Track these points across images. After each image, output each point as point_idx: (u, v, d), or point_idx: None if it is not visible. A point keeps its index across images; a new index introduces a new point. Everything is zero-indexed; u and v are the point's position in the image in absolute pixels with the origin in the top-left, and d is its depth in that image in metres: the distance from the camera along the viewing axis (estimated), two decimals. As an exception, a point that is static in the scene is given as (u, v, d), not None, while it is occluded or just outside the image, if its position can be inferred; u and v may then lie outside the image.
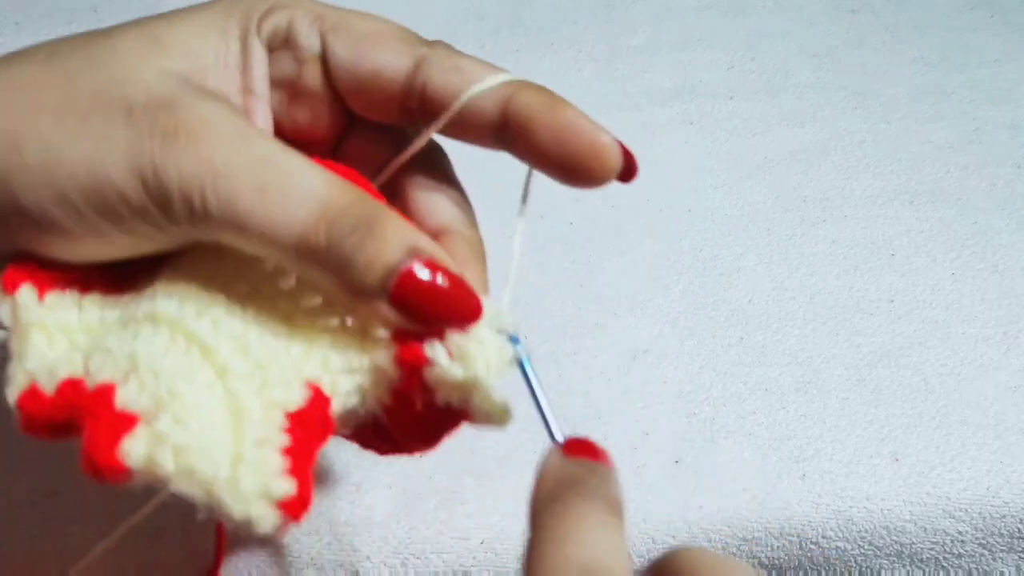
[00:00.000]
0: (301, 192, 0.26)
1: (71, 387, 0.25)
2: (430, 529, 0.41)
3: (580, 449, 0.26)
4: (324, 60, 0.30)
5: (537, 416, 0.28)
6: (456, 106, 0.29)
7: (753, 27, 0.70)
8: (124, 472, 0.24)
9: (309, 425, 0.27)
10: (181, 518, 0.37)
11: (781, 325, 0.50)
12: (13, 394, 0.25)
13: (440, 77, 0.29)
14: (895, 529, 0.42)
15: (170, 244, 0.28)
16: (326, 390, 0.28)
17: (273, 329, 0.28)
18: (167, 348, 0.26)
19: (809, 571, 0.43)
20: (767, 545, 0.42)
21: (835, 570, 0.43)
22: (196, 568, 0.39)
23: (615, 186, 0.57)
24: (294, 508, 0.24)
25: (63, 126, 0.26)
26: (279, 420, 0.26)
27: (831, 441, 0.44)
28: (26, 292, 0.27)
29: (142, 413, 0.24)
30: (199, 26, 0.29)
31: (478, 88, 0.29)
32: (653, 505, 0.42)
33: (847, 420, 0.45)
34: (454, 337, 0.27)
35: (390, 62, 0.29)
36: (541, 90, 0.29)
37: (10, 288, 0.27)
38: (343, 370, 0.28)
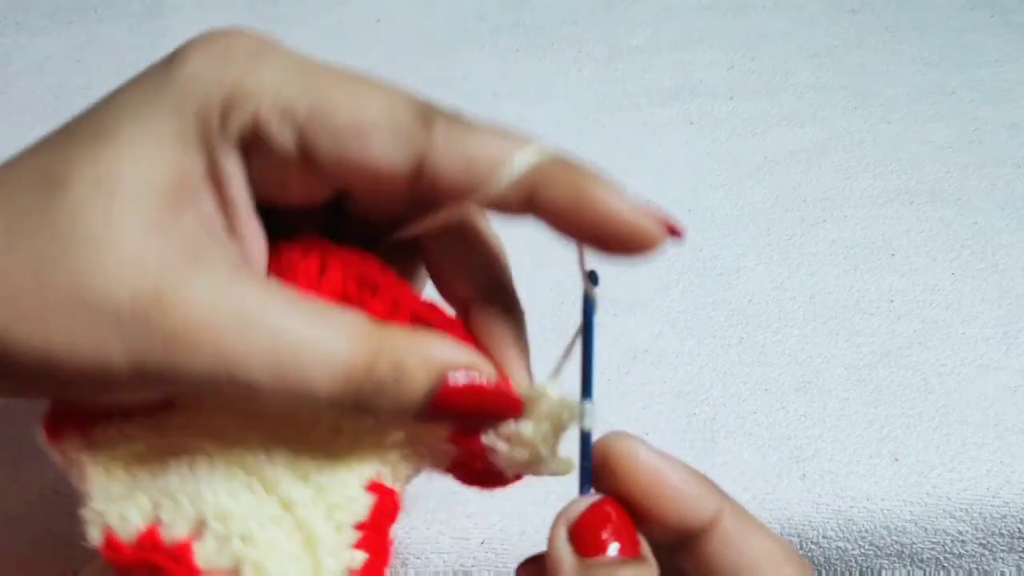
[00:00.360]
0: (321, 362, 0.24)
1: (149, 540, 0.25)
2: (430, 529, 0.41)
3: (598, 542, 0.25)
4: (308, 159, 0.25)
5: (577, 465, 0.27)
6: (472, 214, 0.27)
7: (753, 27, 0.70)
8: None
9: (379, 527, 0.27)
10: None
11: (781, 325, 0.50)
12: (94, 538, 0.26)
13: (451, 171, 0.24)
14: (895, 529, 0.42)
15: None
16: (388, 483, 0.27)
17: (326, 445, 0.27)
18: (228, 485, 0.26)
19: (809, 571, 0.43)
20: (767, 545, 0.42)
21: (835, 570, 0.43)
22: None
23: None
24: None
25: (49, 331, 0.23)
26: (351, 537, 0.26)
27: (831, 441, 0.44)
28: (71, 440, 0.27)
29: (223, 570, 0.25)
30: (152, 147, 0.24)
31: (497, 186, 0.25)
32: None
33: (847, 420, 0.45)
34: (507, 428, 0.27)
35: (385, 162, 0.24)
36: (563, 178, 0.25)
37: (54, 439, 0.27)
38: (401, 459, 0.28)
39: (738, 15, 0.71)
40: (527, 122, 0.61)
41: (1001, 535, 0.43)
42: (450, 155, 0.24)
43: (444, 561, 0.40)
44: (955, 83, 0.65)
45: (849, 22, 0.71)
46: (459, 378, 0.25)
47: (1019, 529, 0.43)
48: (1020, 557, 0.44)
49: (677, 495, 0.25)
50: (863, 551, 0.43)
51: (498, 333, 0.27)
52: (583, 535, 0.25)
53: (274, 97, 0.24)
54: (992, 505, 0.43)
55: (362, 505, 0.27)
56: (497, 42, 0.68)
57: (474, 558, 0.40)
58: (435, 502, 0.42)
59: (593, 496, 0.26)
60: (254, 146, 0.24)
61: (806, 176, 0.58)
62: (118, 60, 0.65)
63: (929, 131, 0.61)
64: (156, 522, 0.26)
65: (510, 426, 0.27)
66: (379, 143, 0.24)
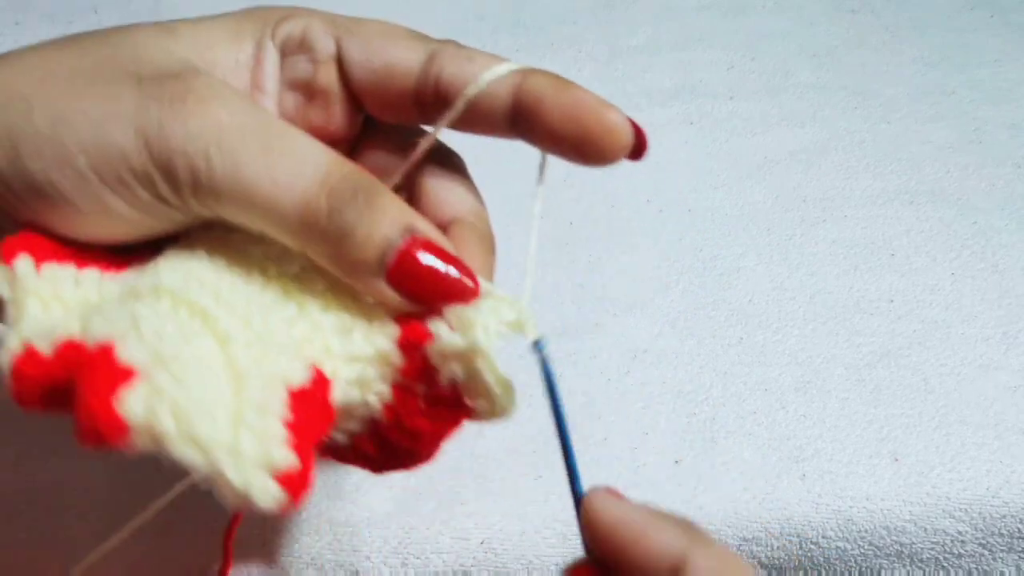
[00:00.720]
0: (306, 156, 0.27)
1: (70, 348, 0.25)
2: (430, 529, 0.41)
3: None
4: (339, 61, 0.31)
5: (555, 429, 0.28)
6: (471, 90, 0.29)
7: (753, 27, 0.70)
8: (122, 429, 0.22)
9: (311, 405, 0.26)
10: (186, 517, 0.37)
11: (781, 325, 0.50)
12: (6, 358, 0.25)
13: (453, 68, 0.30)
14: (895, 529, 0.42)
15: (171, 223, 0.28)
16: (327, 374, 0.27)
17: (277, 308, 0.28)
18: (168, 314, 0.26)
19: (809, 571, 0.43)
20: (767, 545, 0.42)
21: (835, 570, 0.43)
22: (200, 567, 0.39)
23: (615, 186, 0.57)
24: (294, 485, 0.23)
25: (72, 90, 0.27)
26: (281, 393, 0.25)
27: (831, 441, 0.44)
28: (23, 262, 0.27)
29: (142, 369, 0.23)
30: (213, 27, 0.30)
31: (491, 75, 0.29)
32: (653, 505, 0.42)
33: (847, 420, 0.45)
34: (454, 309, 0.27)
35: (403, 57, 0.30)
36: (549, 74, 0.30)
37: (7, 258, 0.27)
38: (345, 357, 0.28)
39: (738, 15, 0.71)
40: (527, 122, 0.61)
41: (1001, 535, 0.43)
42: (455, 57, 0.30)
43: (444, 561, 0.40)
44: (955, 83, 0.65)
45: (849, 22, 0.71)
46: (424, 240, 0.27)
47: (1019, 529, 0.43)
48: (1020, 557, 0.44)
49: (650, 545, 0.26)
50: (863, 551, 0.43)
51: (472, 250, 0.30)
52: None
53: (322, 17, 0.31)
54: (992, 505, 0.43)
55: (298, 372, 0.26)
56: (497, 42, 0.68)
57: (474, 558, 0.40)
58: (435, 502, 0.42)
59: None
60: (295, 50, 0.31)
61: (806, 176, 0.58)
62: (118, 60, 0.65)
63: (929, 131, 0.61)
64: (83, 338, 0.25)
65: (455, 311, 0.27)
66: (401, 44, 0.30)
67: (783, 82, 0.65)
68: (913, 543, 0.43)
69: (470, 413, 0.28)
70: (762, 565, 0.43)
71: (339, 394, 0.28)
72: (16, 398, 0.25)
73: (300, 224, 0.26)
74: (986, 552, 0.43)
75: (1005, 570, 0.44)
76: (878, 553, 0.43)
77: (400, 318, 0.28)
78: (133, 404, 0.23)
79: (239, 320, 0.26)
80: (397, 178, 0.32)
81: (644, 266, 0.52)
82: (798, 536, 0.42)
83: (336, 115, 0.32)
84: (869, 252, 0.54)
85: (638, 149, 0.30)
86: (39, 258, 0.27)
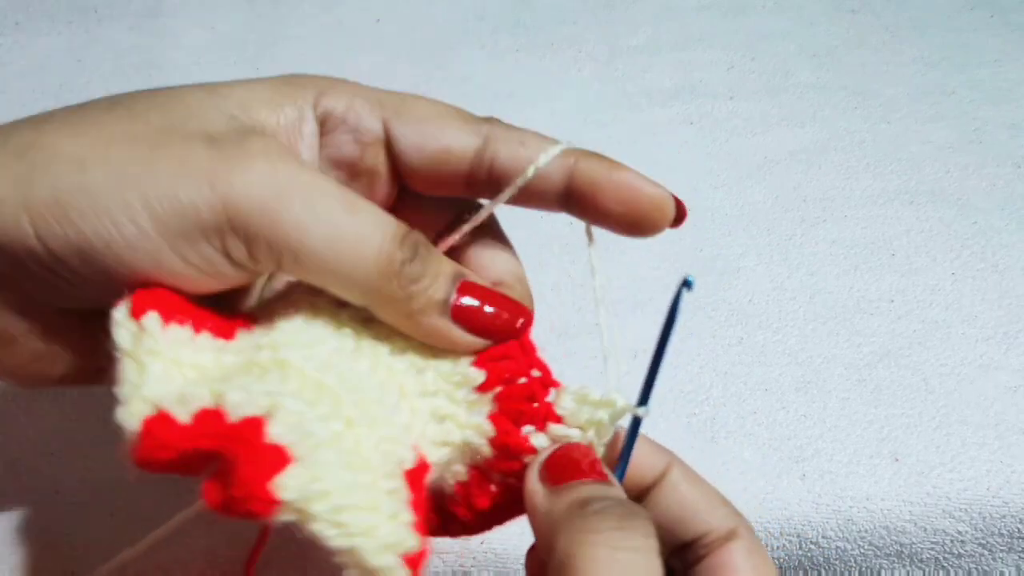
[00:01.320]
0: (379, 216, 0.28)
1: (211, 417, 0.25)
2: (430, 529, 0.41)
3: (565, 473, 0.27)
4: (387, 143, 0.32)
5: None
6: (530, 173, 0.31)
7: (753, 27, 0.70)
8: (275, 506, 0.23)
9: (418, 486, 0.27)
10: (203, 521, 0.37)
11: (781, 325, 0.50)
12: (135, 420, 0.25)
13: (507, 152, 0.31)
14: (895, 529, 0.42)
15: (218, 283, 0.28)
16: (426, 458, 0.29)
17: (384, 391, 0.29)
18: (299, 391, 0.26)
19: (809, 571, 0.43)
20: (767, 545, 0.42)
21: (835, 570, 0.43)
22: (218, 571, 0.39)
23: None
24: (416, 564, 0.25)
25: (135, 153, 0.26)
26: (402, 477, 0.27)
27: (831, 441, 0.44)
28: (152, 319, 0.26)
29: (292, 451, 0.24)
30: (254, 89, 0.30)
31: (545, 158, 0.31)
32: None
33: (847, 420, 0.45)
34: (553, 429, 0.29)
35: (457, 142, 0.31)
36: (599, 157, 0.32)
37: (138, 312, 0.26)
38: (437, 442, 0.29)
39: (738, 15, 0.71)
40: (527, 122, 0.61)
41: (1000, 535, 0.43)
42: (507, 141, 0.31)
43: (444, 561, 0.40)
44: (955, 83, 0.65)
45: (849, 22, 0.71)
46: (474, 279, 0.30)
47: (1018, 529, 0.43)
48: (1020, 557, 0.44)
49: None
50: (863, 551, 0.43)
51: None
52: (552, 470, 0.28)
53: (367, 96, 0.32)
54: (992, 505, 0.43)
55: (409, 454, 0.28)
56: (497, 42, 0.68)
57: (474, 558, 0.40)
58: (435, 502, 0.42)
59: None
60: (337, 127, 0.31)
61: (806, 176, 0.58)
62: (118, 60, 0.65)
63: (929, 131, 0.61)
64: (218, 406, 0.25)
65: (554, 434, 0.29)
66: (454, 128, 0.31)
67: (783, 82, 0.65)
68: (913, 543, 0.43)
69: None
70: (762, 565, 0.43)
71: (434, 471, 0.29)
72: (141, 458, 0.24)
73: (378, 273, 0.27)
74: (986, 552, 0.43)
75: (1005, 570, 0.44)
76: (878, 553, 0.43)
77: (494, 416, 0.29)
78: (289, 485, 0.24)
79: (358, 400, 0.27)
80: (446, 247, 0.33)
81: (644, 266, 0.52)
82: (798, 536, 0.42)
83: (380, 192, 0.33)
84: (869, 252, 0.54)
85: (679, 219, 0.33)
86: (166, 316, 0.27)
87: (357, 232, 0.27)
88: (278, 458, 0.24)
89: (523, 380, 0.29)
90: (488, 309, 0.29)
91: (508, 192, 0.31)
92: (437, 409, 0.29)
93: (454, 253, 0.33)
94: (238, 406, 0.25)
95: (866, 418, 0.45)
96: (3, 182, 0.26)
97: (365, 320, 0.30)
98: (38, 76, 0.64)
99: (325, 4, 0.71)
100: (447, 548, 0.40)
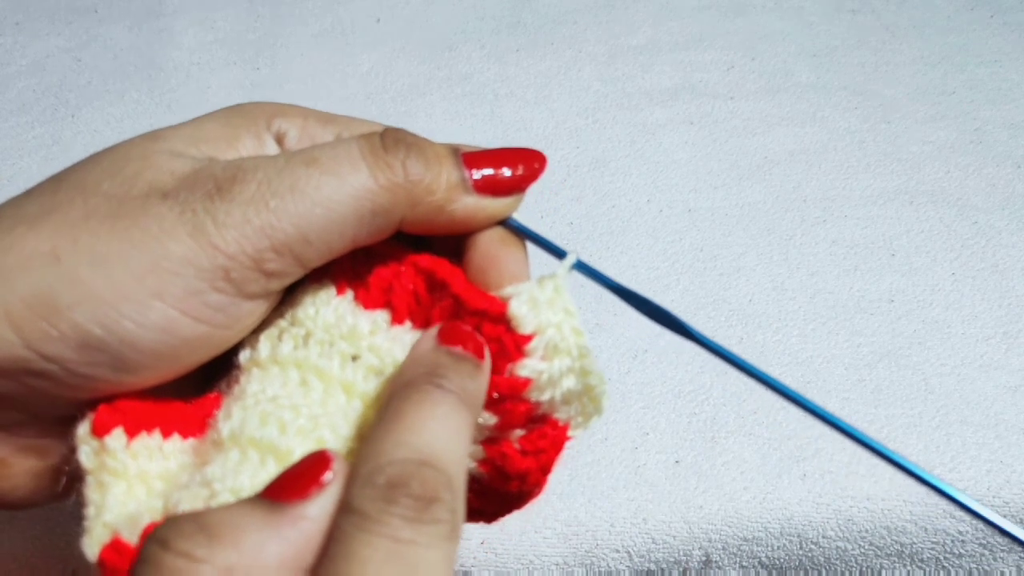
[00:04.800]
0: (344, 146, 0.27)
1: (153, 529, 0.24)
2: (430, 529, 0.41)
3: (455, 338, 0.27)
4: None
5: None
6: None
7: (753, 27, 0.70)
8: None
9: None
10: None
11: (781, 325, 0.50)
12: (94, 549, 0.25)
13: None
14: (896, 529, 0.42)
15: (237, 328, 0.27)
16: None
17: (345, 415, 0.27)
18: (239, 464, 0.25)
19: (810, 571, 0.43)
20: (768, 545, 0.42)
21: (835, 570, 0.43)
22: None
23: (615, 186, 0.57)
24: None
25: (99, 232, 0.25)
26: None
27: (831, 441, 0.44)
28: (117, 437, 0.26)
29: None
30: (204, 126, 0.29)
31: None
32: (653, 505, 0.42)
33: (847, 420, 0.45)
34: (532, 345, 0.28)
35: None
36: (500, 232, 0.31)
37: (100, 431, 0.26)
38: None
39: (738, 15, 0.71)
40: (527, 122, 0.61)
41: (1001, 535, 0.43)
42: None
43: (444, 561, 0.40)
44: (955, 83, 0.65)
45: (849, 22, 0.71)
46: (469, 148, 0.29)
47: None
48: (1020, 557, 0.44)
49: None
50: (863, 551, 0.43)
51: (503, 259, 0.31)
52: (444, 332, 0.27)
53: (315, 115, 0.31)
54: (992, 505, 0.43)
55: None
56: (497, 42, 0.68)
57: (474, 558, 0.40)
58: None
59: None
60: (291, 144, 0.30)
61: (806, 176, 0.58)
62: (118, 60, 0.65)
63: (929, 131, 0.61)
64: (165, 516, 0.25)
65: (539, 352, 0.28)
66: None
67: (783, 82, 0.65)
68: (914, 543, 0.43)
69: (567, 430, 0.29)
70: (762, 565, 0.43)
71: None
72: None
73: (386, 194, 0.27)
74: (986, 552, 0.43)
75: (1005, 570, 0.44)
76: (879, 553, 0.43)
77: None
78: None
79: (310, 443, 0.26)
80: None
81: (644, 266, 0.52)
82: (799, 536, 0.42)
83: None
84: (869, 252, 0.54)
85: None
86: (131, 431, 0.26)
87: (339, 172, 0.26)
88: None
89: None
90: (505, 172, 0.29)
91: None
92: None
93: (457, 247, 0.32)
94: (175, 507, 0.25)
95: (866, 418, 0.45)
96: None
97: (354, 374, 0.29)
98: (38, 76, 0.65)
99: (325, 4, 0.71)
100: (447, 548, 0.40)
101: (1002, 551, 0.44)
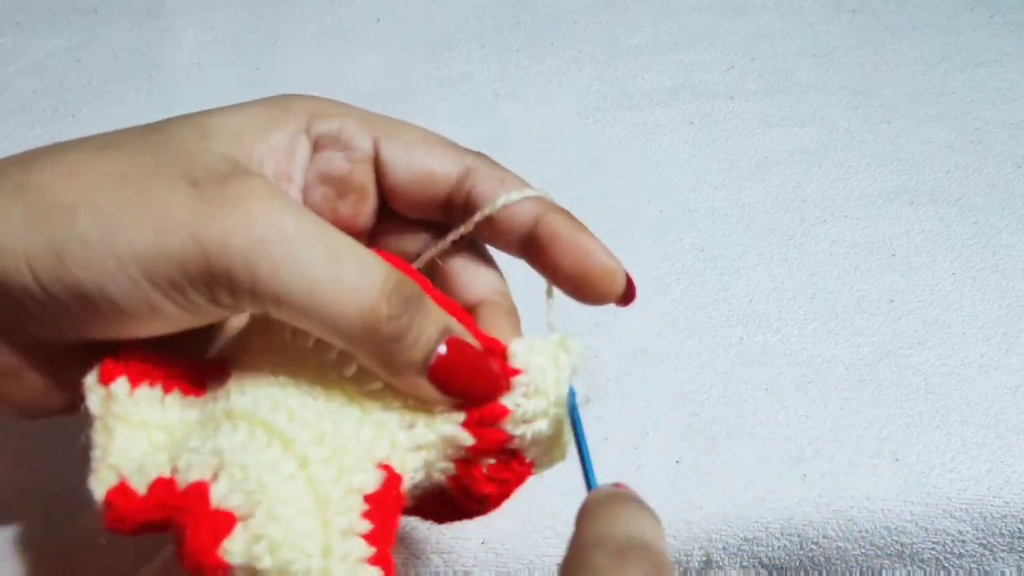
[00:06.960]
0: (368, 265, 0.27)
1: (163, 486, 0.26)
2: (430, 529, 0.41)
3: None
4: (376, 162, 0.33)
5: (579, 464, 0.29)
6: (491, 208, 0.32)
7: (753, 27, 0.70)
8: (225, 570, 0.25)
9: (385, 506, 0.28)
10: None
11: (781, 325, 0.50)
12: (101, 491, 0.27)
13: (486, 185, 0.32)
14: (896, 529, 0.42)
15: (218, 319, 0.29)
16: (396, 469, 0.29)
17: (343, 415, 0.29)
18: (248, 442, 0.27)
19: (810, 571, 0.43)
20: (768, 545, 0.42)
21: (836, 570, 0.43)
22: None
23: (615, 186, 0.57)
24: None
25: (120, 197, 0.27)
26: (359, 505, 0.27)
27: (832, 441, 0.44)
28: (121, 385, 0.28)
29: (237, 511, 0.25)
30: (244, 115, 0.31)
31: (511, 197, 0.32)
32: (653, 505, 0.42)
33: (847, 420, 0.45)
34: (522, 378, 0.30)
35: (442, 167, 0.32)
36: (567, 215, 0.33)
37: (106, 379, 0.28)
38: (410, 448, 0.29)
39: (738, 15, 0.71)
40: (527, 122, 0.61)
41: (1001, 535, 0.43)
42: (489, 175, 0.32)
43: (444, 561, 0.40)
44: (955, 83, 0.65)
45: (849, 22, 0.71)
46: (461, 333, 0.29)
47: (1019, 529, 0.43)
48: (1020, 557, 0.44)
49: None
50: (863, 551, 0.43)
51: (503, 328, 0.33)
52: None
53: (359, 116, 0.32)
54: (992, 505, 0.43)
55: (371, 477, 0.28)
56: (497, 42, 0.68)
57: (474, 558, 0.40)
58: (435, 502, 0.42)
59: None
60: (329, 145, 0.32)
61: (806, 176, 0.58)
62: (118, 60, 0.65)
63: (929, 131, 0.61)
64: (173, 474, 0.26)
65: (522, 389, 0.29)
66: (439, 154, 0.33)
67: (783, 82, 0.65)
68: (914, 543, 0.43)
69: (531, 467, 0.31)
70: (762, 565, 0.43)
71: (408, 483, 0.29)
72: (109, 527, 0.26)
73: (362, 329, 0.27)
74: (987, 552, 0.43)
75: (1006, 570, 0.44)
76: (879, 553, 0.43)
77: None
78: (234, 550, 0.25)
79: (313, 435, 0.28)
80: (422, 262, 0.34)
81: (644, 266, 0.52)
82: (799, 536, 0.42)
83: (366, 211, 0.33)
84: (869, 252, 0.54)
85: (627, 297, 0.33)
86: (134, 381, 0.28)
87: (340, 285, 0.27)
88: (223, 523, 0.25)
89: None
90: (466, 375, 0.29)
91: (477, 217, 0.32)
92: (403, 417, 0.30)
93: (438, 272, 0.34)
94: (187, 471, 0.26)
95: (866, 418, 0.45)
96: (3, 225, 0.26)
97: (335, 363, 0.30)
98: (38, 76, 0.64)
99: (325, 4, 0.71)
100: (447, 548, 0.40)
101: (1002, 551, 0.44)
